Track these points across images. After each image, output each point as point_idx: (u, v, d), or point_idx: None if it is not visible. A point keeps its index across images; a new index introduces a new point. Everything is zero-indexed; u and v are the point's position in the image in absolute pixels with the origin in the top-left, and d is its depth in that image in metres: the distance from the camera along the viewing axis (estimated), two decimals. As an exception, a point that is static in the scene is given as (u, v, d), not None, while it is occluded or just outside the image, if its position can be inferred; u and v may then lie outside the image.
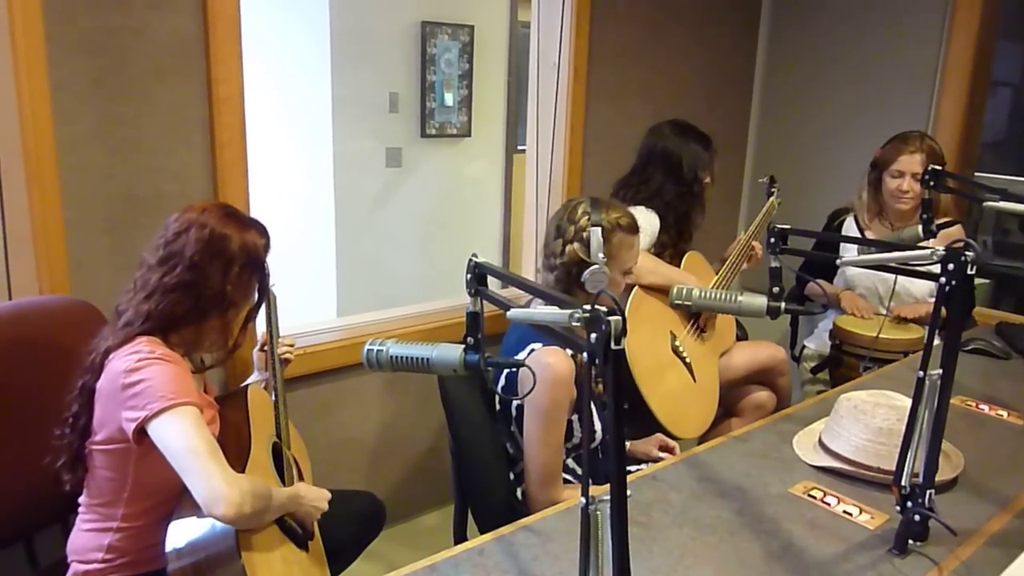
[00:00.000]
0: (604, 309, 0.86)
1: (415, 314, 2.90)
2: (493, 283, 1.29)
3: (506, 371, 1.85)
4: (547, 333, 1.04)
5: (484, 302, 1.22)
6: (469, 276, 1.24)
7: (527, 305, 1.64)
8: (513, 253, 4.42)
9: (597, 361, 0.86)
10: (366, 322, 2.83)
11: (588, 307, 0.87)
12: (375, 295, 3.90)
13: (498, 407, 1.89)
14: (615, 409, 0.87)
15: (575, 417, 1.82)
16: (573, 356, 1.80)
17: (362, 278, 3.98)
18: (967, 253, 1.28)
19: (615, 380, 0.85)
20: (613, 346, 0.85)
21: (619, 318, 0.84)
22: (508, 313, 1.08)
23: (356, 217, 3.95)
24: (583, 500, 0.90)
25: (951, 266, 1.29)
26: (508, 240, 4.50)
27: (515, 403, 1.83)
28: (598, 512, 0.90)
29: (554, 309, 0.97)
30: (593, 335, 0.86)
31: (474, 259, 1.25)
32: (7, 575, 1.78)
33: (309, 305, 3.93)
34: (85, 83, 1.95)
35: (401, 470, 2.87)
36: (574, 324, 0.89)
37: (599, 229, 1.79)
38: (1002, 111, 4.53)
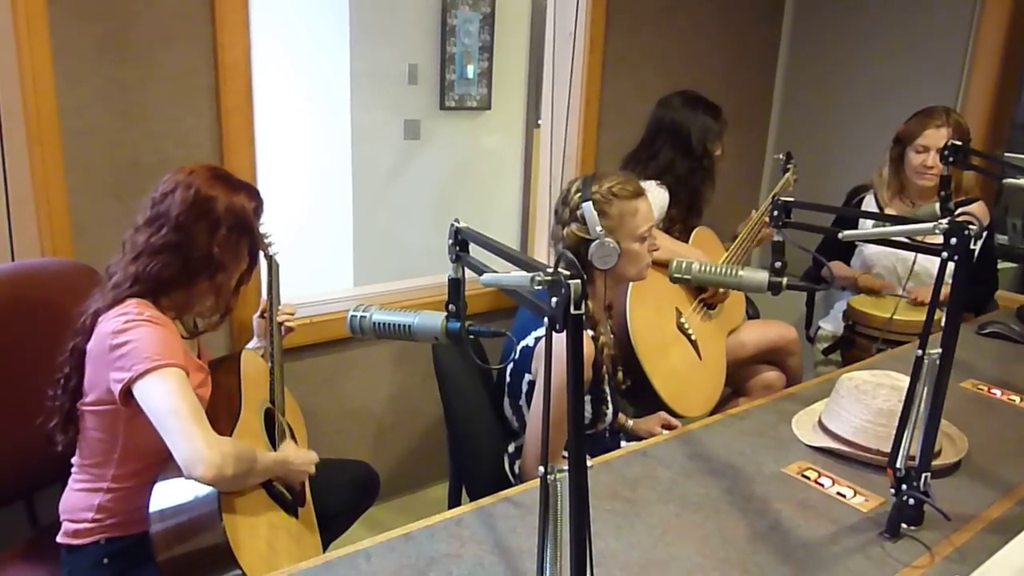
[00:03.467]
0: (566, 273, 0.83)
1: (429, 285, 2.88)
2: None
3: (521, 346, 1.83)
4: (517, 298, 1.01)
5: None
6: (451, 242, 1.21)
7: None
8: (531, 227, 4.38)
9: (557, 327, 0.83)
10: (379, 292, 2.83)
11: (550, 270, 0.84)
12: (392, 266, 3.89)
13: (507, 380, 1.87)
14: (574, 376, 0.84)
15: (587, 398, 1.80)
16: (594, 339, 1.77)
17: (379, 249, 3.97)
18: (971, 227, 1.23)
19: (574, 346, 0.83)
20: (573, 310, 0.82)
21: (579, 282, 0.81)
22: (481, 278, 1.06)
23: (373, 189, 3.93)
24: (541, 469, 0.88)
25: (954, 240, 1.24)
26: (527, 214, 4.46)
27: (527, 378, 1.81)
28: (558, 482, 0.88)
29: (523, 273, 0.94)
30: (554, 299, 0.83)
31: (455, 224, 1.22)
32: (8, 533, 1.80)
33: (326, 275, 3.94)
34: (89, 47, 1.95)
35: (407, 442, 2.87)
36: (535, 287, 0.86)
37: (590, 203, 1.75)
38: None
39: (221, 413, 1.58)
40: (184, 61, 2.10)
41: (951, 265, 1.25)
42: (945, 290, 1.30)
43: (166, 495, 1.42)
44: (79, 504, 1.55)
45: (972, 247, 1.23)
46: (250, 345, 1.95)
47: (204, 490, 1.40)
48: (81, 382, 1.52)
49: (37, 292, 1.76)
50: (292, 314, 1.93)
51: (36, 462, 1.69)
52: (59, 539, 1.55)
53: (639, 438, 2.02)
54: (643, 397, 2.16)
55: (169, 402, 1.37)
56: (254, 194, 1.62)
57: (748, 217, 2.66)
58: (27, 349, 1.69)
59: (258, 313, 1.91)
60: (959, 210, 2.03)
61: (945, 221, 1.25)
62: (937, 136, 2.51)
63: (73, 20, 1.91)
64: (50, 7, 1.85)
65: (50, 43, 1.86)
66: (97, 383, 1.49)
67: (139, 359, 1.40)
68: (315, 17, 3.78)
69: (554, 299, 0.83)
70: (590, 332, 1.76)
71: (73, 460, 1.59)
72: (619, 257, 1.76)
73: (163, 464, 1.46)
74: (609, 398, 1.90)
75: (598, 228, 1.74)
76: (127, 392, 1.40)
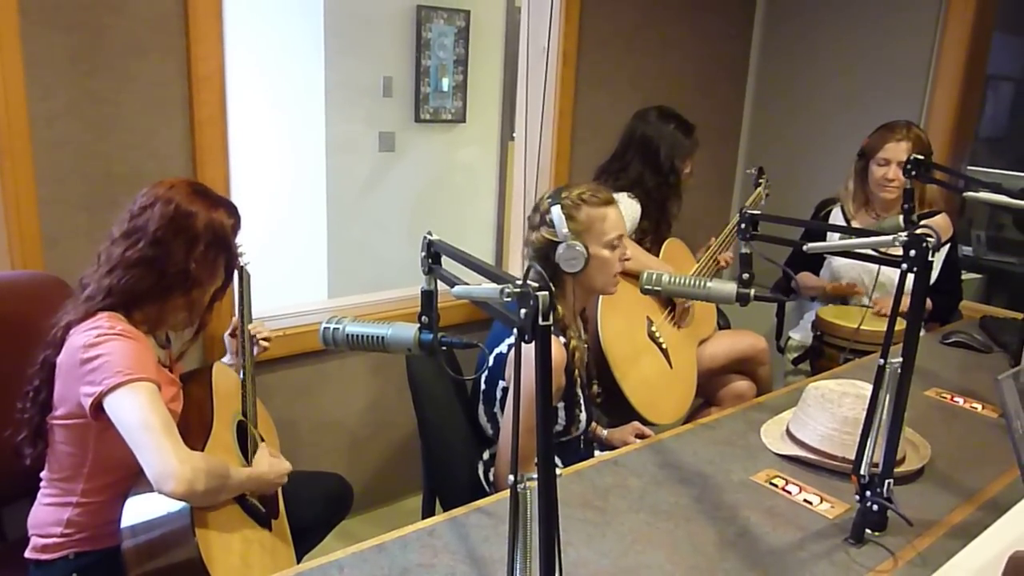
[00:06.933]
0: (535, 284, 0.85)
1: (403, 297, 2.89)
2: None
3: (495, 353, 1.84)
4: (488, 310, 1.03)
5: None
6: (423, 254, 1.23)
7: None
8: (506, 240, 4.40)
9: (526, 337, 0.85)
10: (353, 304, 2.83)
11: (519, 282, 0.86)
12: (366, 278, 3.89)
13: (482, 387, 1.88)
14: (543, 386, 0.86)
15: (561, 404, 1.82)
16: (565, 345, 1.79)
17: (353, 261, 3.97)
18: (929, 239, 1.27)
19: (543, 356, 0.84)
20: (541, 321, 0.84)
21: (547, 293, 0.83)
22: (453, 290, 1.07)
23: (348, 201, 3.94)
24: (511, 477, 0.89)
25: (913, 252, 1.28)
26: (502, 227, 4.48)
27: (501, 384, 1.83)
28: (527, 491, 0.89)
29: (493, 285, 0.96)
30: (522, 310, 0.85)
31: (428, 237, 1.23)
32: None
33: (300, 287, 3.93)
34: (61, 58, 1.94)
35: (383, 454, 2.87)
36: (505, 299, 0.87)
37: (558, 207, 1.77)
38: (1003, 106, 4.48)
39: (193, 427, 1.57)
40: (157, 73, 2.10)
41: (911, 276, 1.29)
42: (906, 300, 1.34)
43: (138, 510, 1.42)
44: (48, 519, 1.54)
45: (930, 259, 1.27)
46: (223, 360, 1.94)
47: (177, 505, 1.39)
48: (51, 395, 1.51)
49: (6, 304, 1.75)
50: (268, 340, 1.91)
51: (4, 476, 1.67)
52: (27, 554, 1.53)
53: (613, 447, 2.04)
54: (615, 405, 2.18)
55: (140, 416, 1.36)
56: (233, 211, 1.62)
57: (708, 243, 2.70)
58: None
59: (229, 331, 1.90)
60: (921, 222, 2.08)
61: (904, 234, 1.28)
62: (897, 149, 2.57)
63: (45, 31, 1.90)
64: (22, 18, 1.85)
65: (21, 54, 1.85)
66: (67, 397, 1.48)
67: (110, 373, 1.39)
68: (290, 29, 3.79)
69: (523, 311, 0.85)
70: (562, 338, 1.78)
71: (42, 474, 1.57)
72: (587, 262, 1.78)
73: (133, 478, 1.45)
74: (583, 404, 1.92)
75: (564, 231, 1.76)
76: (98, 406, 1.40)
